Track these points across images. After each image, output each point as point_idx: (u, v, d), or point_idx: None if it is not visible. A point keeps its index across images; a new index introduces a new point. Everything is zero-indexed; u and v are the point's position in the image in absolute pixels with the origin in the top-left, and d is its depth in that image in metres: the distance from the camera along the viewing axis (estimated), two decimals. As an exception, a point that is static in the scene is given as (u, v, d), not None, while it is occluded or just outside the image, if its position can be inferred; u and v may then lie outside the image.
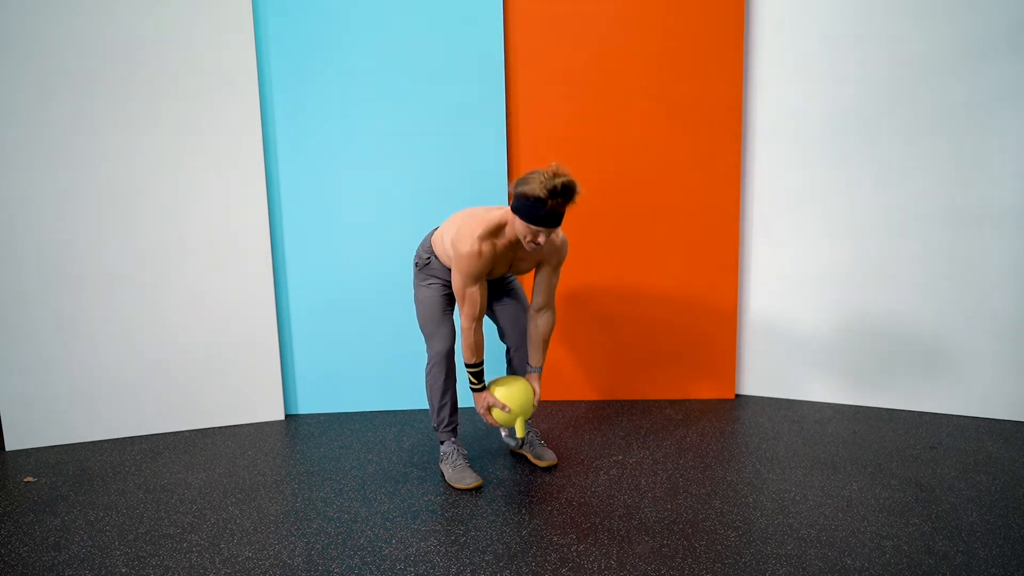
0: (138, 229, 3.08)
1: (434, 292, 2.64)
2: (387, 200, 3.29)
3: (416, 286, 2.68)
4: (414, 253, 3.29)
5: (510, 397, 2.59)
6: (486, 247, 2.40)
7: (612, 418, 3.29)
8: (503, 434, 2.73)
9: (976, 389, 3.20)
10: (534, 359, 2.71)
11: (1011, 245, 3.05)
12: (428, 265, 2.64)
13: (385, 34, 3.18)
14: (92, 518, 2.49)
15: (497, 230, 2.42)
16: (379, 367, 3.40)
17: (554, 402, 3.49)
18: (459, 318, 2.60)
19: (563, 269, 3.37)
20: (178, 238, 3.13)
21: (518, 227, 2.32)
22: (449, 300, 2.66)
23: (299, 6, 3.14)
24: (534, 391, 2.66)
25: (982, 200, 3.07)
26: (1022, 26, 2.92)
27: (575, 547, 2.23)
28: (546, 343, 2.69)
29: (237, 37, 3.07)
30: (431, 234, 2.69)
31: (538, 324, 2.66)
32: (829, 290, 3.34)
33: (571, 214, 3.32)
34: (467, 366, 2.56)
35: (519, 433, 2.63)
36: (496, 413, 2.60)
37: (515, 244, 2.45)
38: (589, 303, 3.43)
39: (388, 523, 2.41)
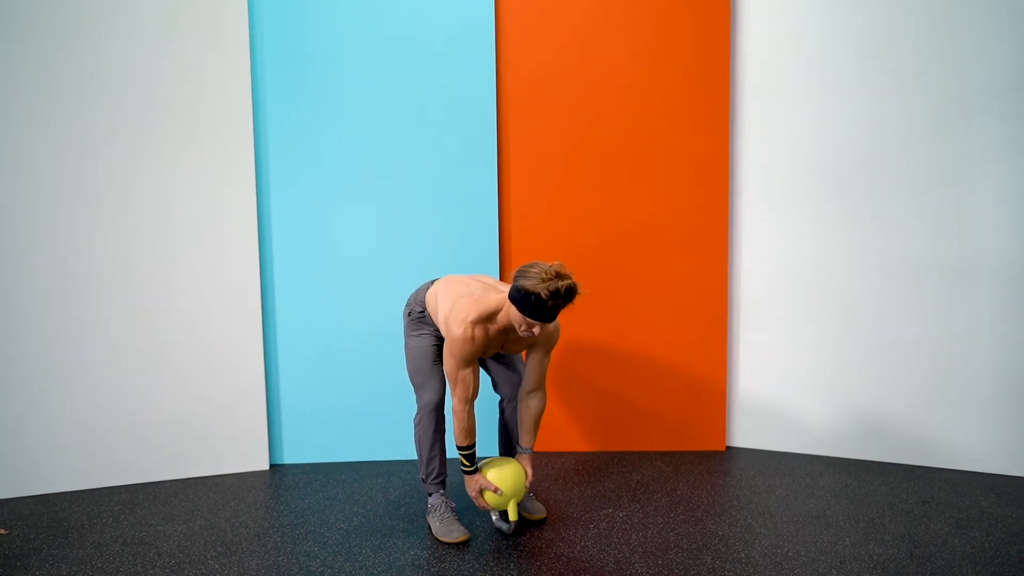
0: (125, 275, 3.07)
1: (425, 342, 2.62)
2: (378, 249, 3.29)
3: (407, 335, 2.66)
4: (404, 303, 3.29)
5: (502, 479, 2.56)
6: (479, 332, 2.40)
7: (602, 470, 3.25)
8: (494, 518, 2.65)
9: (968, 443, 3.19)
10: (525, 440, 2.68)
11: (1001, 298, 3.08)
12: (421, 318, 2.63)
13: (377, 80, 3.23)
14: (65, 572, 2.41)
15: (491, 315, 2.42)
16: (366, 417, 3.36)
17: (544, 453, 3.45)
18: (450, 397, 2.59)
19: (553, 318, 3.37)
20: (165, 285, 3.11)
21: (513, 316, 2.33)
22: (440, 350, 2.64)
23: (293, 50, 3.19)
24: (526, 473, 2.63)
25: (971, 254, 3.11)
26: (1007, 85, 3.00)
27: (565, 604, 2.18)
28: (537, 424, 2.67)
29: (231, 84, 3.12)
30: (425, 288, 2.68)
31: (529, 405, 2.65)
32: (820, 343, 3.35)
33: (562, 260, 3.34)
34: (459, 448, 2.54)
35: (511, 516, 2.59)
36: (488, 496, 2.57)
37: (508, 329, 2.46)
38: (580, 354, 3.42)
39: (372, 579, 2.34)
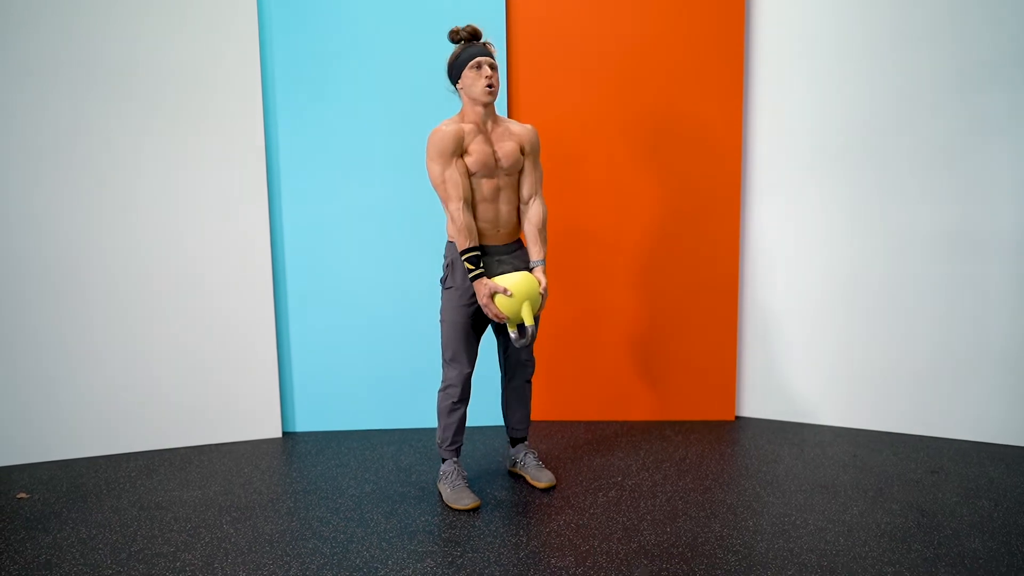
0: (136, 246, 3.08)
1: (461, 317, 2.58)
2: (389, 218, 3.29)
3: (443, 309, 2.62)
4: (415, 272, 3.30)
5: (512, 281, 2.47)
6: (449, 125, 2.48)
7: (611, 439, 3.27)
8: (512, 336, 2.51)
9: (977, 413, 3.18)
10: (534, 252, 2.65)
11: (1009, 269, 3.05)
12: (452, 274, 2.58)
13: (388, 56, 3.20)
14: (85, 536, 2.46)
15: (459, 119, 2.53)
16: (378, 385, 3.38)
17: (553, 422, 3.48)
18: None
19: (564, 289, 3.37)
20: (177, 255, 3.13)
21: (468, 84, 2.48)
22: (476, 326, 2.62)
23: (302, 28, 3.16)
24: (539, 281, 2.58)
25: (983, 225, 3.07)
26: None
27: (573, 570, 2.21)
28: (542, 232, 2.65)
29: (241, 58, 3.10)
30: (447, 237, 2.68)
31: (530, 215, 2.64)
32: (830, 313, 3.34)
33: (572, 237, 3.32)
34: (462, 253, 2.49)
35: (527, 321, 2.49)
36: (499, 300, 2.47)
37: (482, 127, 2.53)
38: (591, 324, 3.43)
39: (384, 544, 2.38)
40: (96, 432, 3.12)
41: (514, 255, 2.64)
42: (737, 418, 3.52)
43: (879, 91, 3.14)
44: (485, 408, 3.41)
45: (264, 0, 3.12)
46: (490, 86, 2.46)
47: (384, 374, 3.37)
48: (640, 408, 3.49)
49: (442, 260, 2.67)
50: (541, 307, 2.57)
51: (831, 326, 3.34)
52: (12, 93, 2.90)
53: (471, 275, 2.49)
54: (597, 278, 3.40)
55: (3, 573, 2.24)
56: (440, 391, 2.66)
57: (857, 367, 3.33)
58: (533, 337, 2.53)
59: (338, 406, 3.39)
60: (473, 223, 2.50)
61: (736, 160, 3.28)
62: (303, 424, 3.40)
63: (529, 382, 2.81)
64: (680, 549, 2.32)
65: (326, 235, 3.28)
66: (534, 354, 2.80)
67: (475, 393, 3.35)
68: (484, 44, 2.51)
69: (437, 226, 3.28)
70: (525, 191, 2.65)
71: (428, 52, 3.20)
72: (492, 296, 2.48)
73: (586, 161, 3.32)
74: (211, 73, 3.07)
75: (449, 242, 2.60)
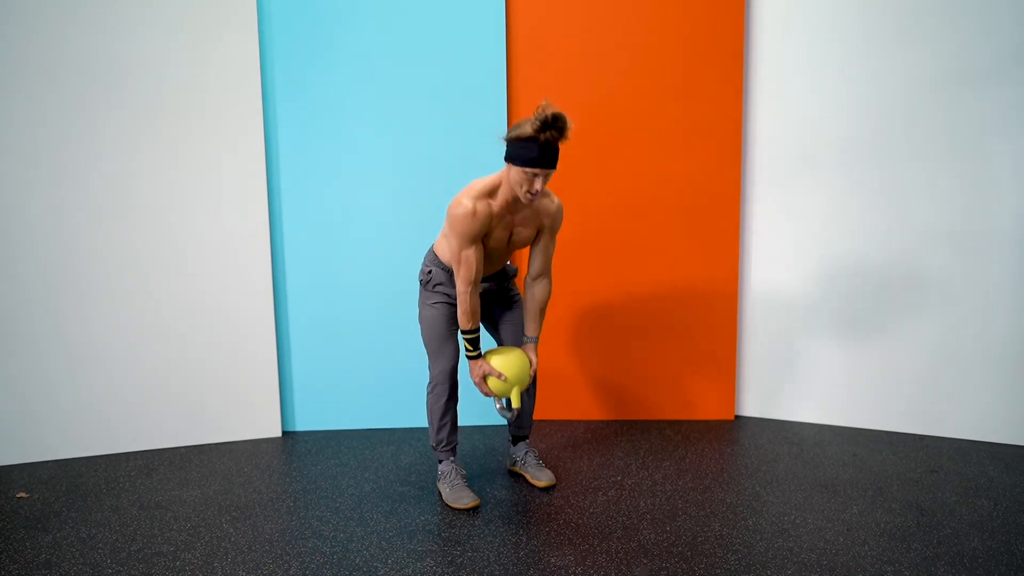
0: (135, 243, 3.08)
1: (439, 311, 2.62)
2: (388, 218, 3.29)
3: (421, 304, 2.66)
4: (415, 271, 3.30)
5: (506, 366, 2.54)
6: (481, 206, 2.36)
7: (611, 438, 3.27)
8: (497, 407, 2.62)
9: (977, 413, 3.18)
10: (530, 329, 2.67)
11: (1013, 268, 3.05)
12: (431, 280, 2.62)
13: (388, 52, 3.20)
14: (85, 535, 2.46)
15: (492, 191, 2.39)
16: (377, 385, 3.38)
17: (552, 421, 3.48)
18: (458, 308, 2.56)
19: (564, 288, 3.37)
20: (177, 253, 3.13)
21: (513, 178, 2.29)
22: (454, 320, 2.65)
23: (301, 28, 3.16)
24: (531, 362, 2.62)
25: (983, 224, 3.07)
26: None
27: (573, 569, 2.21)
28: (542, 312, 2.66)
29: (241, 58, 3.10)
30: (433, 245, 2.68)
31: (535, 292, 2.63)
32: (830, 312, 3.34)
33: (572, 235, 3.32)
34: (463, 332, 2.52)
35: (514, 403, 2.57)
36: (491, 382, 2.55)
37: (512, 207, 2.43)
38: (589, 323, 3.43)
39: (384, 543, 2.38)
40: (95, 431, 3.12)
41: (498, 278, 2.69)
42: (737, 417, 3.52)
43: (879, 90, 3.14)
44: (484, 407, 3.41)
45: (264, 0, 3.13)
46: (533, 196, 2.32)
47: (384, 373, 3.38)
48: (640, 407, 3.49)
49: (423, 261, 2.68)
50: (532, 383, 2.66)
51: (831, 325, 3.35)
52: (11, 93, 2.90)
53: (468, 355, 2.55)
54: (597, 277, 3.40)
55: (3, 572, 2.24)
56: (429, 393, 2.66)
57: (857, 366, 3.33)
58: (529, 409, 2.63)
59: (338, 405, 3.39)
60: (478, 306, 2.51)
61: (736, 159, 3.28)
62: (303, 423, 3.40)
63: (533, 383, 2.80)
64: (680, 548, 2.32)
65: (326, 235, 3.28)
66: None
67: (474, 391, 3.35)
68: (562, 137, 2.25)
69: (437, 225, 3.28)
70: (536, 267, 2.61)
71: (428, 52, 3.20)
72: (485, 377, 2.55)
73: (586, 160, 3.32)
74: (211, 73, 3.07)
75: (433, 252, 2.61)
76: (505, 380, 2.54)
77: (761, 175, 3.36)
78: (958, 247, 3.12)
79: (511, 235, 2.51)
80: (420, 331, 2.69)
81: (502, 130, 3.25)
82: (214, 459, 3.09)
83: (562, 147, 3.28)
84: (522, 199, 2.34)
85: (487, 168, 3.26)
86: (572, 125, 2.25)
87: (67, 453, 3.11)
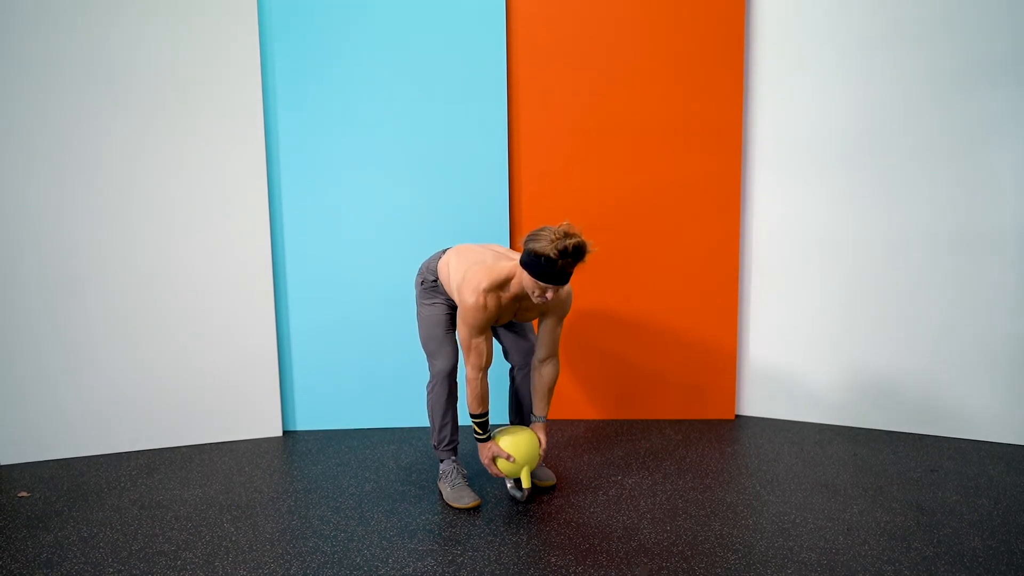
0: (136, 243, 3.09)
1: (437, 311, 2.63)
2: (389, 217, 3.29)
3: (419, 304, 2.67)
4: (416, 271, 3.29)
5: (515, 447, 2.57)
6: (491, 300, 2.39)
7: (611, 438, 3.27)
8: (508, 485, 2.66)
9: (977, 412, 3.18)
10: (538, 408, 2.69)
11: (1012, 267, 3.05)
12: (434, 286, 2.63)
13: (388, 49, 3.20)
14: (86, 534, 2.46)
15: (504, 283, 2.41)
16: (378, 384, 3.39)
17: (553, 421, 3.48)
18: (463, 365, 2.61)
19: (563, 287, 3.38)
20: (177, 252, 3.13)
21: (526, 281, 2.31)
22: (452, 319, 2.65)
23: (302, 28, 3.16)
24: (540, 441, 2.64)
25: (984, 223, 3.07)
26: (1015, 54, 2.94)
27: (573, 568, 2.21)
28: (550, 392, 2.68)
29: (241, 58, 3.10)
30: (437, 257, 2.68)
31: (543, 374, 2.65)
32: (830, 312, 3.34)
33: (572, 233, 3.32)
34: (472, 416, 2.55)
35: (524, 484, 2.60)
36: (501, 464, 2.58)
37: (521, 296, 2.45)
38: (590, 322, 3.43)
39: (385, 542, 2.39)
40: (97, 431, 3.13)
41: None
42: (737, 417, 3.52)
43: (880, 89, 3.14)
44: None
45: (265, 1, 3.13)
46: (543, 301, 2.33)
47: (384, 373, 3.38)
48: (640, 407, 3.50)
49: (422, 267, 2.70)
50: (539, 462, 2.66)
51: (831, 325, 3.35)
52: (12, 92, 2.90)
53: (477, 438, 2.58)
54: (597, 277, 3.40)
55: (5, 571, 2.24)
56: (429, 392, 2.67)
57: (857, 366, 3.33)
58: (528, 494, 2.64)
59: (338, 405, 3.39)
60: (487, 391, 2.54)
61: (736, 159, 3.28)
62: (303, 423, 3.40)
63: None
64: (680, 548, 2.33)
65: (326, 234, 3.28)
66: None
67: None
68: (580, 258, 2.24)
69: (437, 225, 3.28)
70: (542, 351, 2.62)
71: (428, 51, 3.20)
72: (494, 459, 2.57)
73: (585, 160, 3.32)
74: (212, 73, 3.07)
75: (436, 268, 2.62)
76: (514, 461, 2.56)
77: (762, 175, 3.36)
78: (958, 247, 3.12)
79: (516, 315, 2.57)
80: (418, 330, 2.69)
81: (502, 130, 3.25)
82: (215, 458, 3.09)
83: (559, 145, 3.29)
84: (532, 299, 2.36)
85: (487, 167, 3.27)
86: (592, 250, 2.24)
87: (68, 452, 3.12)
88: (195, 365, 3.20)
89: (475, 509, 2.61)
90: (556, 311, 2.55)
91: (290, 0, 3.14)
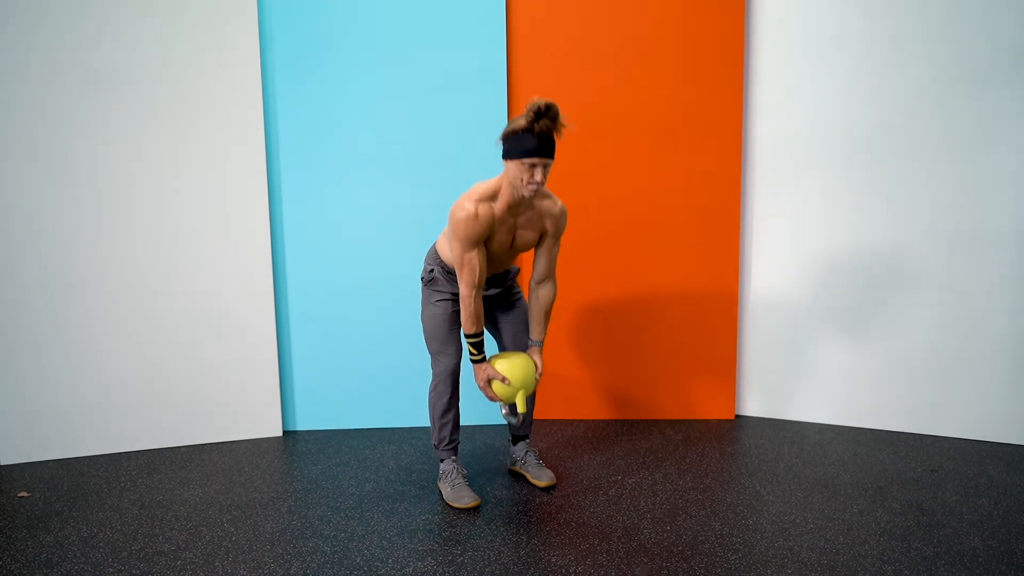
0: (137, 242, 3.09)
1: (441, 310, 2.62)
2: (389, 217, 3.29)
3: (424, 303, 2.66)
4: (415, 271, 3.30)
5: (510, 370, 2.53)
6: (483, 209, 2.37)
7: (612, 438, 3.27)
8: (503, 412, 2.61)
9: (977, 412, 3.18)
10: (535, 332, 2.67)
11: (1012, 267, 3.05)
12: (433, 280, 2.62)
13: (389, 48, 3.20)
14: (86, 534, 2.46)
15: (493, 194, 2.40)
16: (378, 384, 3.39)
17: (553, 421, 3.48)
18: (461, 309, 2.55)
19: (565, 287, 3.38)
20: (178, 252, 3.13)
21: (513, 173, 2.30)
22: (456, 318, 2.64)
23: (302, 28, 3.16)
24: (536, 365, 2.62)
25: (983, 223, 3.07)
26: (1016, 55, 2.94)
27: (573, 568, 2.21)
28: (547, 315, 2.66)
29: (241, 58, 3.10)
30: (434, 244, 2.68)
31: (539, 296, 2.64)
32: (830, 311, 3.34)
33: (573, 235, 3.33)
34: (467, 336, 2.51)
35: (520, 408, 2.56)
36: (496, 386, 2.54)
37: (515, 209, 2.42)
38: (591, 322, 3.43)
39: (385, 542, 2.39)
40: (97, 431, 3.13)
41: (503, 280, 2.68)
42: (737, 417, 3.52)
43: (879, 90, 3.14)
44: (485, 406, 3.41)
45: (264, 0, 3.13)
46: (535, 187, 2.32)
47: (384, 373, 3.38)
48: (640, 407, 3.50)
49: (424, 261, 2.67)
50: (535, 385, 2.63)
51: (831, 325, 3.35)
52: (11, 92, 2.90)
53: (472, 359, 2.54)
54: (597, 277, 3.40)
55: (5, 572, 2.24)
56: (431, 392, 2.67)
57: (857, 365, 3.33)
58: (528, 417, 2.61)
59: (338, 405, 3.39)
60: (482, 310, 2.51)
61: (736, 159, 3.28)
62: (303, 423, 3.40)
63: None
64: (680, 548, 2.33)
65: (326, 234, 3.28)
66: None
67: (475, 391, 3.35)
68: (556, 131, 2.28)
69: (437, 225, 3.28)
70: (540, 271, 2.61)
71: (428, 51, 3.20)
72: (489, 381, 2.54)
73: (585, 160, 3.32)
74: (211, 73, 3.07)
75: (435, 251, 2.61)
76: (509, 384, 2.54)
77: (762, 175, 3.36)
78: (958, 247, 3.12)
79: (514, 238, 2.51)
80: (422, 330, 2.68)
81: (502, 128, 3.24)
82: (215, 458, 3.09)
83: (561, 147, 3.29)
84: (524, 193, 2.34)
85: (487, 166, 3.27)
86: (566, 122, 2.27)
87: (68, 452, 3.12)
88: (195, 365, 3.20)
89: (475, 509, 2.61)
90: (552, 231, 2.54)
91: (290, 3, 3.14)
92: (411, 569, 2.22)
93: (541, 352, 2.67)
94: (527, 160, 2.27)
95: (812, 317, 3.37)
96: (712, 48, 3.22)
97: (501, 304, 2.75)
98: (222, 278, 3.19)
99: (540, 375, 2.63)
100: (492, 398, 2.58)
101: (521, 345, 2.75)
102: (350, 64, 3.20)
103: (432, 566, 2.24)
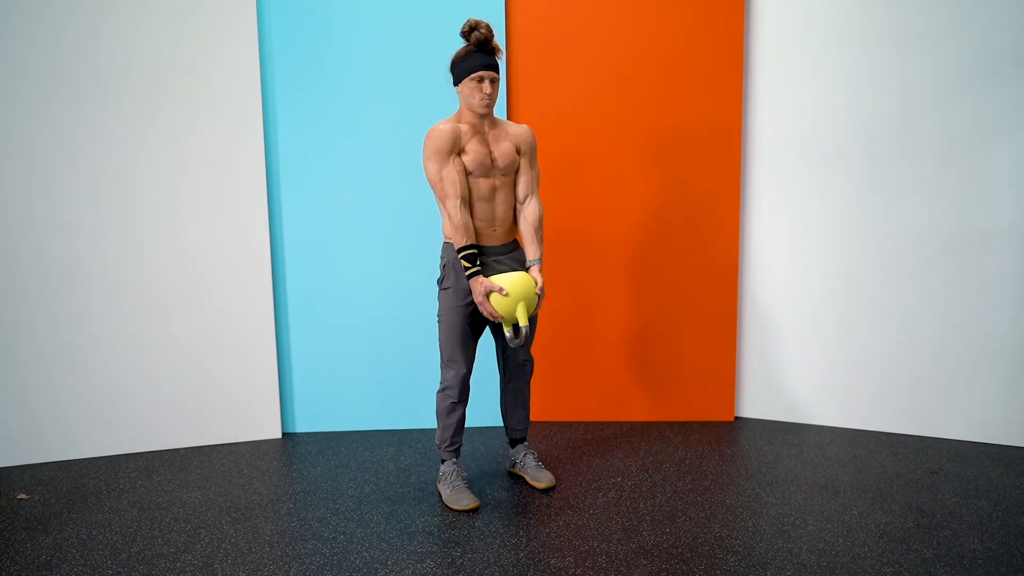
0: (136, 246, 3.09)
1: (458, 317, 2.59)
2: (389, 220, 3.29)
3: (440, 309, 2.63)
4: (415, 271, 3.30)
5: (509, 281, 2.47)
6: (445, 125, 2.49)
7: (611, 440, 3.27)
8: (507, 334, 2.50)
9: (976, 414, 3.18)
10: (530, 251, 2.65)
11: (1011, 268, 3.05)
12: (445, 277, 2.60)
13: (386, 56, 3.20)
14: (85, 536, 2.46)
15: (457, 119, 2.54)
16: (377, 386, 3.39)
17: (552, 423, 3.48)
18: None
19: (563, 289, 3.38)
20: (177, 254, 3.13)
21: (466, 94, 2.48)
22: (473, 327, 2.62)
23: (301, 28, 3.16)
24: (536, 281, 2.58)
25: (982, 223, 3.08)
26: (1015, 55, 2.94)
27: (572, 570, 2.21)
28: (538, 232, 2.65)
29: (241, 58, 3.10)
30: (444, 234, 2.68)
31: (526, 214, 2.65)
32: (830, 313, 3.34)
33: (572, 235, 3.33)
34: (459, 251, 2.48)
35: (521, 322, 2.49)
36: (495, 300, 2.47)
37: (478, 127, 2.53)
38: (589, 324, 3.43)
39: (384, 544, 2.38)
40: (96, 433, 3.12)
41: (511, 255, 2.65)
42: (736, 419, 3.52)
43: (879, 90, 3.14)
44: (485, 408, 3.41)
45: (264, 0, 3.13)
46: (487, 100, 2.47)
47: (384, 375, 3.38)
48: (639, 409, 3.49)
49: (439, 260, 2.66)
50: (538, 306, 2.58)
51: (830, 326, 3.35)
52: (11, 92, 2.90)
53: (467, 272, 2.49)
54: (596, 278, 3.40)
55: (4, 574, 2.24)
56: (439, 392, 2.66)
57: (856, 367, 3.33)
58: (529, 338, 2.54)
59: (338, 407, 3.39)
60: (470, 221, 2.51)
61: (736, 160, 3.28)
62: (303, 425, 3.40)
63: (528, 383, 2.81)
64: (679, 550, 2.33)
65: (326, 235, 3.28)
66: (532, 355, 2.80)
67: (475, 393, 3.35)
68: (492, 50, 2.49)
69: (437, 226, 3.28)
70: (521, 190, 2.65)
71: (428, 51, 3.20)
72: (487, 295, 2.48)
73: (585, 161, 3.32)
74: (211, 73, 3.07)
75: (446, 243, 2.61)
76: (508, 295, 2.46)
77: (761, 176, 3.36)
78: (958, 248, 3.12)
79: (491, 152, 2.55)
80: (438, 333, 2.66)
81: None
82: (214, 461, 3.09)
83: (561, 147, 3.29)
84: (479, 109, 2.48)
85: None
86: (500, 50, 2.50)
87: (67, 455, 3.12)
88: (194, 367, 3.20)
89: (474, 511, 2.61)
90: (526, 151, 2.63)
91: (289, 1, 3.14)
92: (410, 571, 2.22)
93: (540, 270, 2.64)
94: (474, 76, 2.44)
95: (811, 319, 3.37)
96: (712, 49, 3.22)
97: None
98: (222, 279, 3.18)
99: (541, 291, 2.58)
100: (491, 314, 2.49)
101: (515, 359, 2.74)
102: (350, 65, 3.20)
103: (431, 568, 2.23)
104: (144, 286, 3.11)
